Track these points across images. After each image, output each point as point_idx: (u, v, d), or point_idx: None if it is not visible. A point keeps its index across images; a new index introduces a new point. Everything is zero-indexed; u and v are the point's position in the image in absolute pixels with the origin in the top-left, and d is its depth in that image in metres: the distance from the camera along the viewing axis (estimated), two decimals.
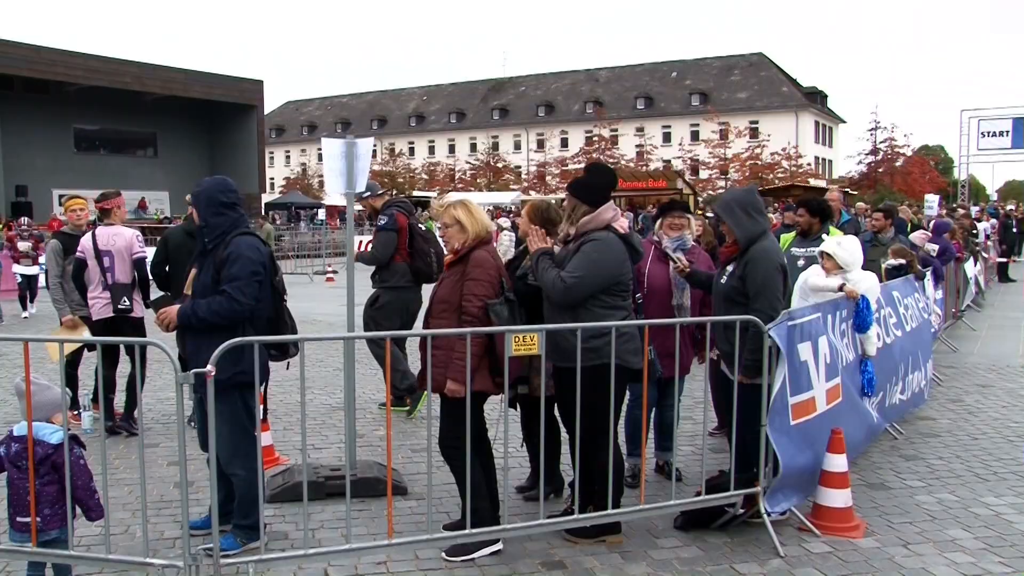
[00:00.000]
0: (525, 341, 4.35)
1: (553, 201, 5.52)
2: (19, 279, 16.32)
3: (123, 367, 7.22)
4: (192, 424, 5.67)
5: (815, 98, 77.83)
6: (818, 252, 6.35)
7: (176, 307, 4.68)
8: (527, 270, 4.97)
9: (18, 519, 3.86)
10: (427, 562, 4.63)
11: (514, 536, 4.74)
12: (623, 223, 4.94)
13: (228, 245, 4.63)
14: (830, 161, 79.95)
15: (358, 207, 8.35)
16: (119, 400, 7.30)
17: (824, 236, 7.21)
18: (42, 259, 15.88)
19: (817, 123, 77.71)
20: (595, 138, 67.73)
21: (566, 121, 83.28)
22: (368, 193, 7.87)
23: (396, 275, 7.65)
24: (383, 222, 7.64)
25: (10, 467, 3.89)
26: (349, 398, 5.68)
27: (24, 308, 15.97)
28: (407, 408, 7.59)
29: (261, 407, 4.84)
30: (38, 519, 3.82)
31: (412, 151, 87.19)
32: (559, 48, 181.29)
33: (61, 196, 47.13)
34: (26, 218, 20.19)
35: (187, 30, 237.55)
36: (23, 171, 45.53)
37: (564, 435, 5.17)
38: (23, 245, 16.36)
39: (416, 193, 57.77)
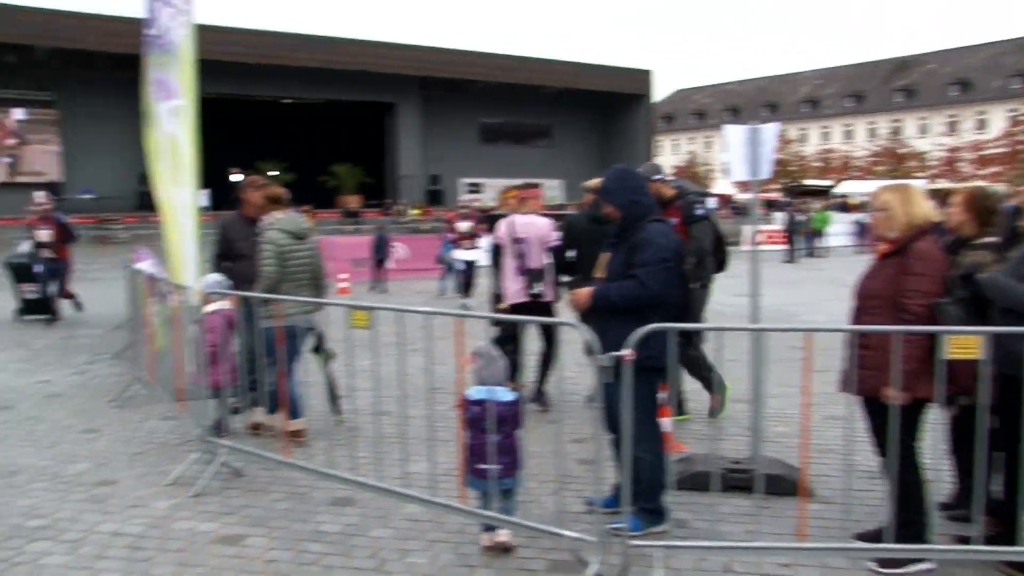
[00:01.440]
0: (964, 344, 3.97)
1: (993, 189, 4.99)
2: (462, 265, 16.63)
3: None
4: (592, 403, 5.88)
5: None
6: None
7: (588, 289, 4.85)
8: (970, 269, 4.51)
9: (477, 467, 4.44)
10: (838, 572, 4.40)
11: (941, 559, 4.39)
12: None
13: (641, 231, 4.74)
14: None
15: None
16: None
17: None
18: (481, 242, 16.65)
19: None
20: (1021, 118, 61.10)
21: (983, 100, 75.99)
22: (659, 177, 7.02)
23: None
24: (701, 211, 6.98)
25: (472, 427, 4.46)
26: (756, 391, 5.59)
27: (465, 294, 16.19)
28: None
29: (664, 394, 4.90)
30: (498, 466, 4.40)
31: (804, 138, 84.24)
32: (974, 18, 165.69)
33: (467, 184, 51.45)
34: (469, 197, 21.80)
35: (581, 25, 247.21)
36: (437, 162, 50.06)
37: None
38: (463, 225, 17.00)
39: (808, 182, 55.79)
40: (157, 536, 4.79)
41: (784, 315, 12.97)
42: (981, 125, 73.28)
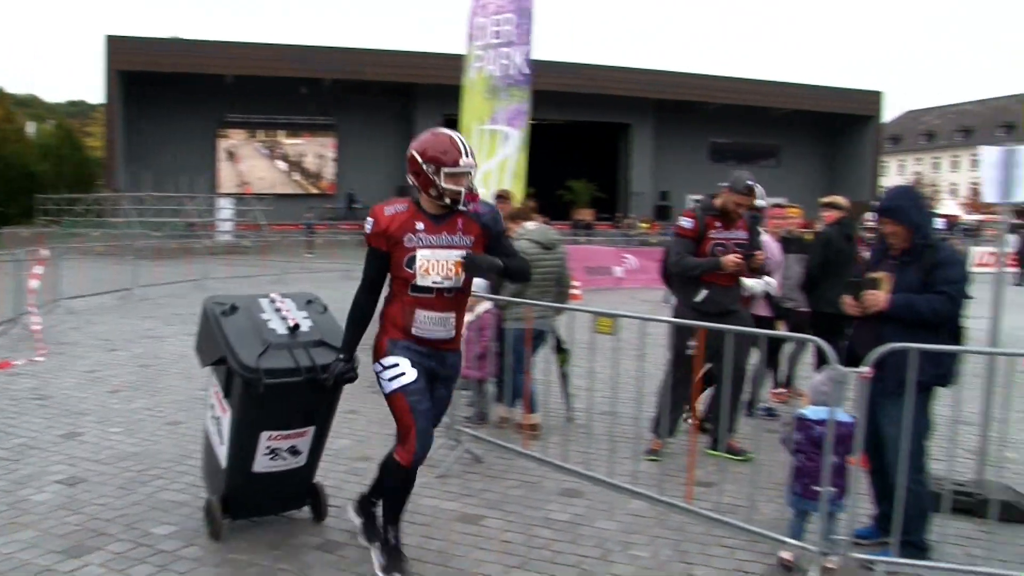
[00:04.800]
0: None
1: None
2: None
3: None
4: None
5: None
6: None
7: (886, 295, 4.34)
8: None
9: (811, 487, 4.14)
10: None
11: None
12: None
13: (940, 250, 4.37)
14: None
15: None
16: None
17: None
18: None
19: None
20: None
21: None
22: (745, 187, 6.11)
23: None
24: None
25: (808, 447, 4.19)
26: (987, 412, 5.15)
27: None
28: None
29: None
30: (834, 489, 4.09)
31: None
32: None
33: (695, 201, 50.55)
34: None
35: (810, 46, 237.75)
36: (667, 179, 49.62)
37: None
38: None
39: None
40: (407, 510, 4.98)
41: (1016, 339, 11.86)
42: None
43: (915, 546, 4.27)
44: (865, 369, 3.88)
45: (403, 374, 3.87)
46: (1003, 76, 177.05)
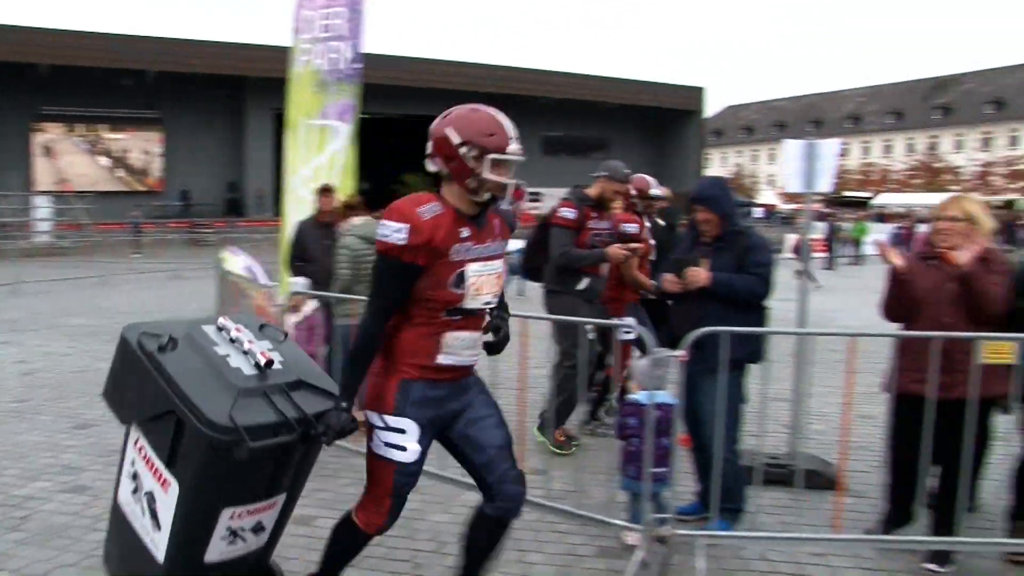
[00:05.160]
0: (999, 349, 3.86)
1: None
2: None
3: None
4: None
5: None
6: None
7: (706, 272, 4.45)
8: None
9: (644, 469, 4.16)
10: (867, 561, 4.31)
11: (965, 551, 4.27)
12: None
13: (749, 236, 4.62)
14: None
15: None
16: None
17: None
18: None
19: None
20: None
21: (1016, 118, 73.78)
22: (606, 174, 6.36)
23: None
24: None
25: (637, 431, 4.25)
26: (797, 389, 5.49)
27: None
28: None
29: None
30: (662, 469, 4.16)
31: (846, 152, 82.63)
32: (1010, 40, 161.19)
33: (528, 193, 51.42)
34: None
35: (640, 42, 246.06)
36: None
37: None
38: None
39: (848, 193, 54.83)
40: None
41: (824, 319, 12.70)
42: (1013, 142, 71.20)
43: (736, 512, 4.53)
44: (680, 352, 4.04)
45: (404, 449, 3.10)
46: (814, 75, 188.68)
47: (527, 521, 4.68)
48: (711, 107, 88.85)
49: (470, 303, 3.05)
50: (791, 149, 5.65)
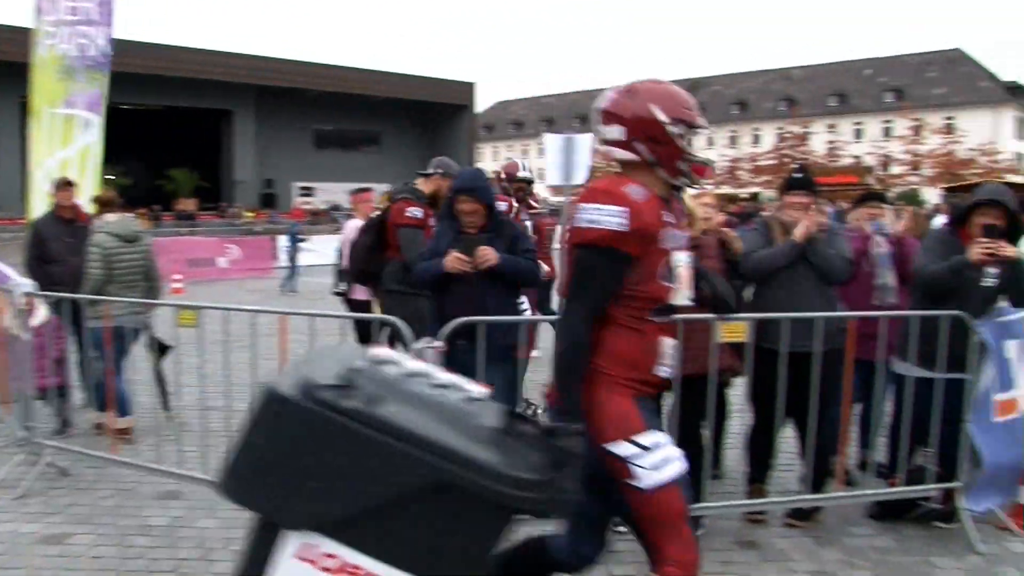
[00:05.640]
0: (734, 329, 4.23)
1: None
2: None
3: None
4: None
5: (1016, 92, 71.45)
6: None
7: (494, 252, 4.45)
8: None
9: None
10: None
11: (711, 515, 4.66)
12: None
13: (511, 224, 4.80)
14: None
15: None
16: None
17: None
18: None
19: (1019, 118, 71.34)
20: (786, 135, 65.16)
21: (758, 119, 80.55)
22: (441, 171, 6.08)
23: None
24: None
25: None
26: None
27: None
28: None
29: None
30: None
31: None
32: (751, 47, 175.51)
33: (300, 188, 50.34)
34: None
35: (411, 36, 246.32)
36: (272, 168, 48.73)
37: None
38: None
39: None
40: None
41: None
42: (756, 140, 77.59)
43: None
44: (439, 343, 4.08)
45: (673, 459, 2.63)
46: (578, 72, 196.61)
47: None
48: (482, 102, 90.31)
49: (678, 298, 2.70)
50: (551, 143, 5.89)
